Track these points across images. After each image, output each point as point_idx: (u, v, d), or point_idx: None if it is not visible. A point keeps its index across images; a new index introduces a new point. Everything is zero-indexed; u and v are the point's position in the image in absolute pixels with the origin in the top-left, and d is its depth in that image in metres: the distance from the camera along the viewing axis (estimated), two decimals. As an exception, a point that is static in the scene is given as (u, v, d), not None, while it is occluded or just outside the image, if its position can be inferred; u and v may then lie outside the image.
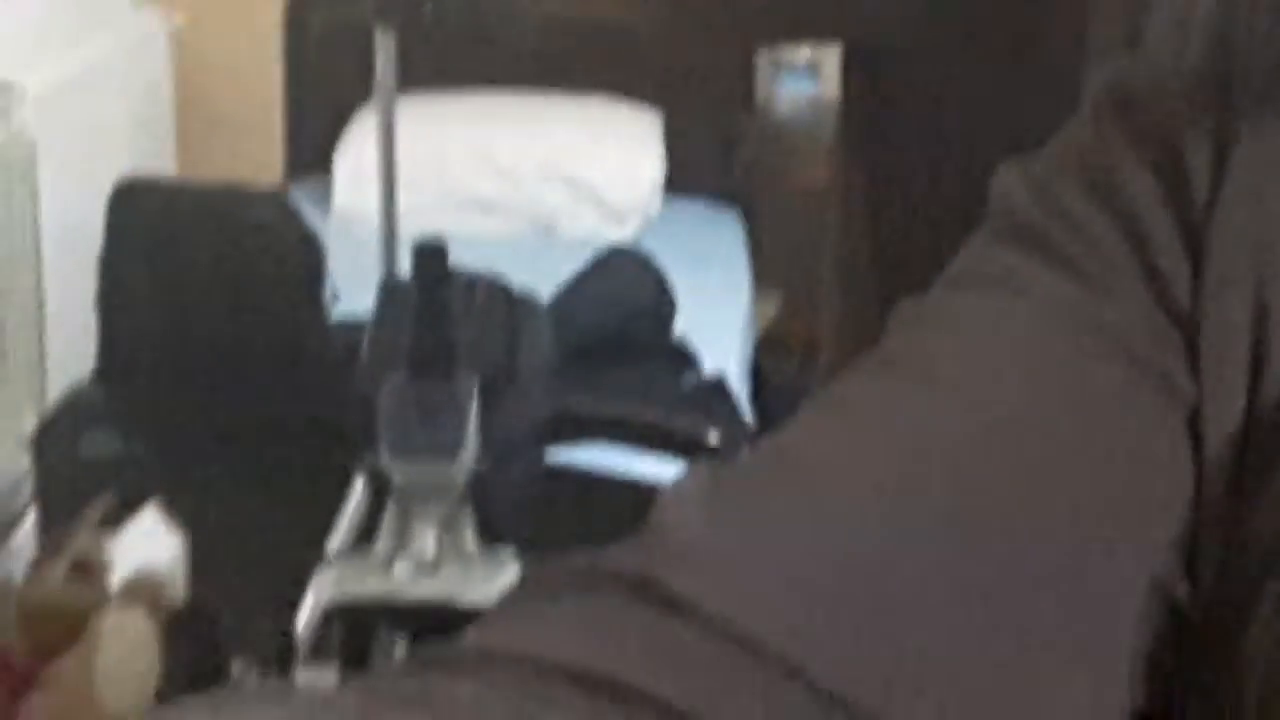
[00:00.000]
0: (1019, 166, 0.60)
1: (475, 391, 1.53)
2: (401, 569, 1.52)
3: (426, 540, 1.50)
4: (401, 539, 1.53)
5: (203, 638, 0.88)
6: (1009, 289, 0.57)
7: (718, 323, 3.56)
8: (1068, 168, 0.58)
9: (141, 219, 2.28)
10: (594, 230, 4.12)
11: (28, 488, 2.38)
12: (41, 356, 3.29)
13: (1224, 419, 0.54)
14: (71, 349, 2.85)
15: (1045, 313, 0.56)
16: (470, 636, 0.55)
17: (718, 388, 2.81)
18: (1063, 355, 0.55)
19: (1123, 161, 0.57)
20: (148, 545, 1.42)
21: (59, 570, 1.27)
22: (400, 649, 1.55)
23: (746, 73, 4.61)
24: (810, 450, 0.56)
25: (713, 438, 2.28)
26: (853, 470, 0.54)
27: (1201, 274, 0.54)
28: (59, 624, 1.21)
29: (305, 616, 1.55)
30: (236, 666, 1.49)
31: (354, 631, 1.56)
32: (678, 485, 0.56)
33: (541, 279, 2.58)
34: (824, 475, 0.54)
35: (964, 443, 0.54)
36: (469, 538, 1.55)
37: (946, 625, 0.52)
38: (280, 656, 1.52)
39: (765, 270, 4.31)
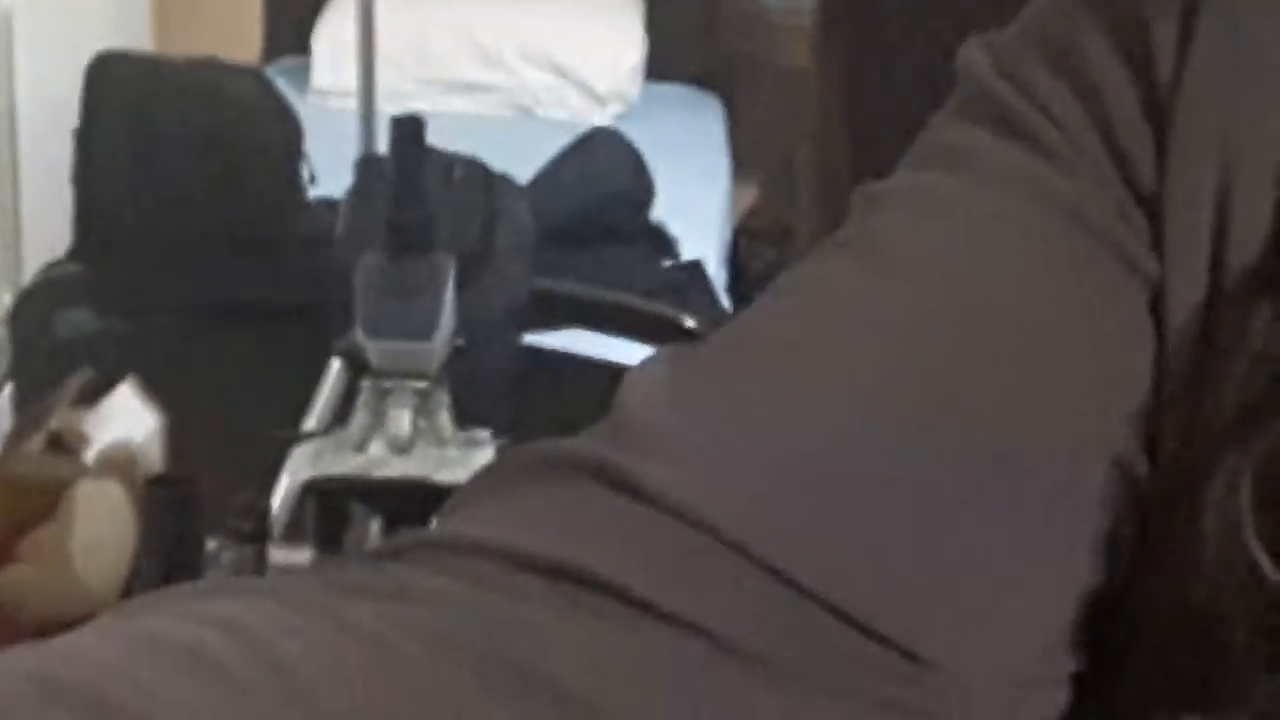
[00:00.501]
0: (984, 40, 0.59)
1: (452, 271, 1.53)
2: (376, 449, 1.53)
3: (401, 420, 1.50)
4: (377, 419, 1.53)
5: (178, 512, 0.89)
6: (969, 165, 0.56)
7: (696, 208, 3.55)
8: (1032, 42, 0.57)
9: (118, 94, 2.26)
10: (574, 113, 4.11)
11: (3, 364, 2.38)
12: (17, 233, 3.28)
13: (1186, 296, 0.54)
14: (48, 226, 2.84)
15: (1006, 188, 0.55)
16: (439, 525, 0.55)
17: (695, 273, 2.81)
18: (1023, 231, 0.55)
19: (1088, 35, 0.56)
20: (124, 421, 1.42)
21: (36, 445, 1.27)
22: (374, 528, 1.55)
23: (729, -45, 4.58)
24: (771, 335, 0.56)
25: (689, 322, 2.29)
26: (813, 355, 0.54)
27: (1165, 151, 0.54)
28: (36, 497, 1.21)
29: (280, 494, 1.56)
30: (212, 543, 1.50)
31: (328, 510, 1.56)
32: (642, 369, 0.56)
33: (520, 161, 2.58)
34: (785, 360, 0.54)
35: (922, 323, 0.54)
36: (444, 418, 1.56)
37: (910, 509, 0.52)
38: (255, 533, 1.53)
39: (745, 157, 4.30)
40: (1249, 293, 0.53)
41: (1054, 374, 0.54)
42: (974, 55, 0.59)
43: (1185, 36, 0.55)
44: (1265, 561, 0.50)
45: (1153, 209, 0.55)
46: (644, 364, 0.56)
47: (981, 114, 0.58)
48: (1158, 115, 0.55)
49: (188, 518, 0.88)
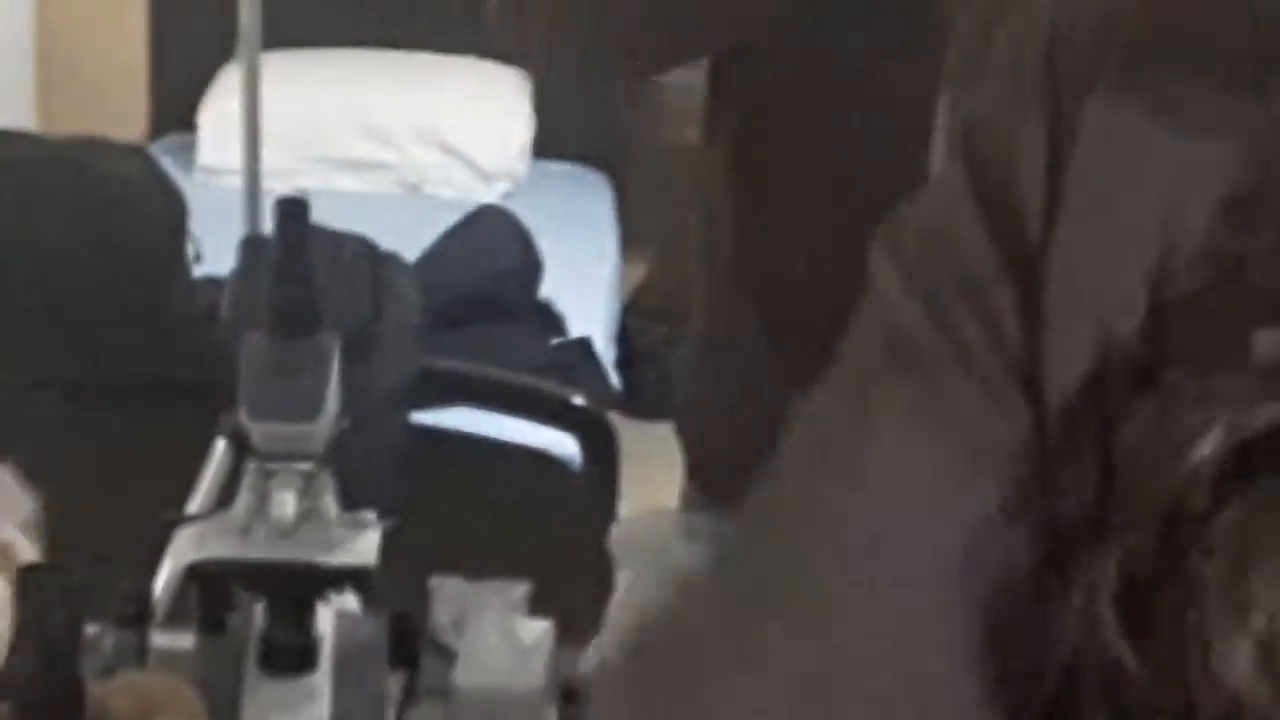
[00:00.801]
0: (890, 244, 0.60)
1: (337, 351, 1.52)
2: (261, 531, 1.51)
3: (286, 503, 1.49)
4: (261, 501, 1.51)
5: (57, 598, 0.87)
6: (898, 410, 0.58)
7: (585, 286, 3.55)
8: (927, 242, 0.59)
9: (1, 173, 2.24)
10: (462, 191, 4.11)
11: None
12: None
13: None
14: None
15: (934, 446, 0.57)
16: None
17: (584, 350, 2.81)
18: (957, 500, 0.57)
19: (960, 207, 0.58)
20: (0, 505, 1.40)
21: (-91, 530, 1.25)
22: (259, 611, 1.53)
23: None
24: (713, 631, 0.60)
25: (577, 400, 2.28)
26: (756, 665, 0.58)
27: (1039, 313, 0.56)
28: (-92, 584, 1.18)
29: (164, 577, 1.54)
30: (93, 628, 1.47)
31: (212, 593, 1.54)
32: (604, 674, 0.62)
33: (409, 239, 2.57)
34: (729, 666, 0.58)
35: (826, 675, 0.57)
36: (329, 500, 1.54)
37: None
38: (138, 617, 1.51)
39: (634, 235, 4.31)
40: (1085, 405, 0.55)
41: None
42: (884, 269, 0.60)
43: (1053, 179, 0.56)
44: (1127, 654, 0.51)
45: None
46: (605, 667, 0.63)
47: (896, 350, 0.59)
48: (1029, 281, 0.56)
49: (66, 605, 0.87)
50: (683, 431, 1.93)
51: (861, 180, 1.56)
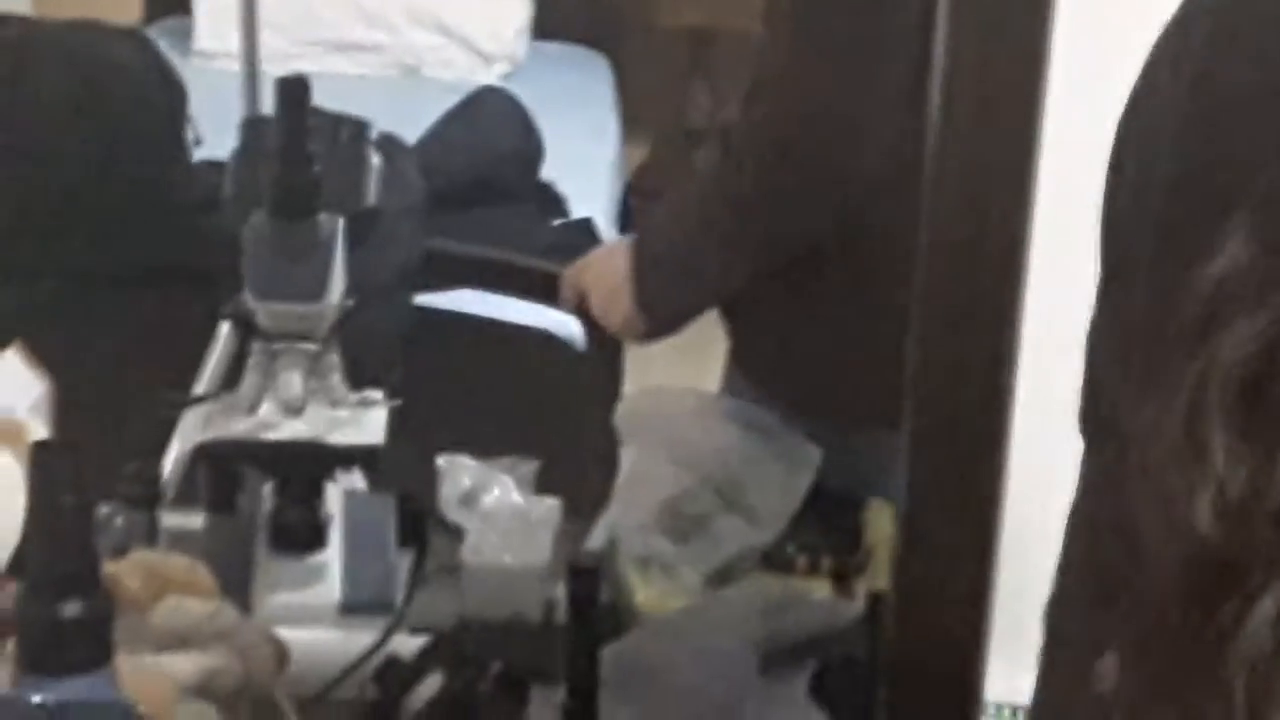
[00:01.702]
0: None
1: (339, 232, 1.52)
2: (268, 411, 1.52)
3: (292, 382, 1.49)
4: (268, 381, 1.52)
5: (69, 477, 0.88)
6: None
7: (586, 167, 3.54)
8: None
9: (-4, 58, 2.22)
10: (461, 74, 4.08)
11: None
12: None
13: None
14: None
15: None
16: None
17: (585, 231, 2.80)
18: None
19: None
20: (10, 388, 1.41)
21: (-81, 413, 1.26)
22: (267, 490, 1.54)
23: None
24: None
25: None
26: None
27: None
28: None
29: (172, 458, 1.55)
30: (103, 509, 1.48)
31: (220, 474, 1.55)
32: None
33: (408, 122, 2.56)
34: None
35: None
36: (336, 380, 1.55)
37: None
38: (147, 498, 1.52)
39: (634, 116, 4.30)
40: None
41: None
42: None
43: None
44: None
45: None
46: None
47: None
48: None
49: (76, 483, 0.87)
50: (730, 318, 1.95)
51: None
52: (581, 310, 2.02)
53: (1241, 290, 0.55)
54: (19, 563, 1.21)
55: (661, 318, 1.92)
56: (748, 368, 1.94)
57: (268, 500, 1.54)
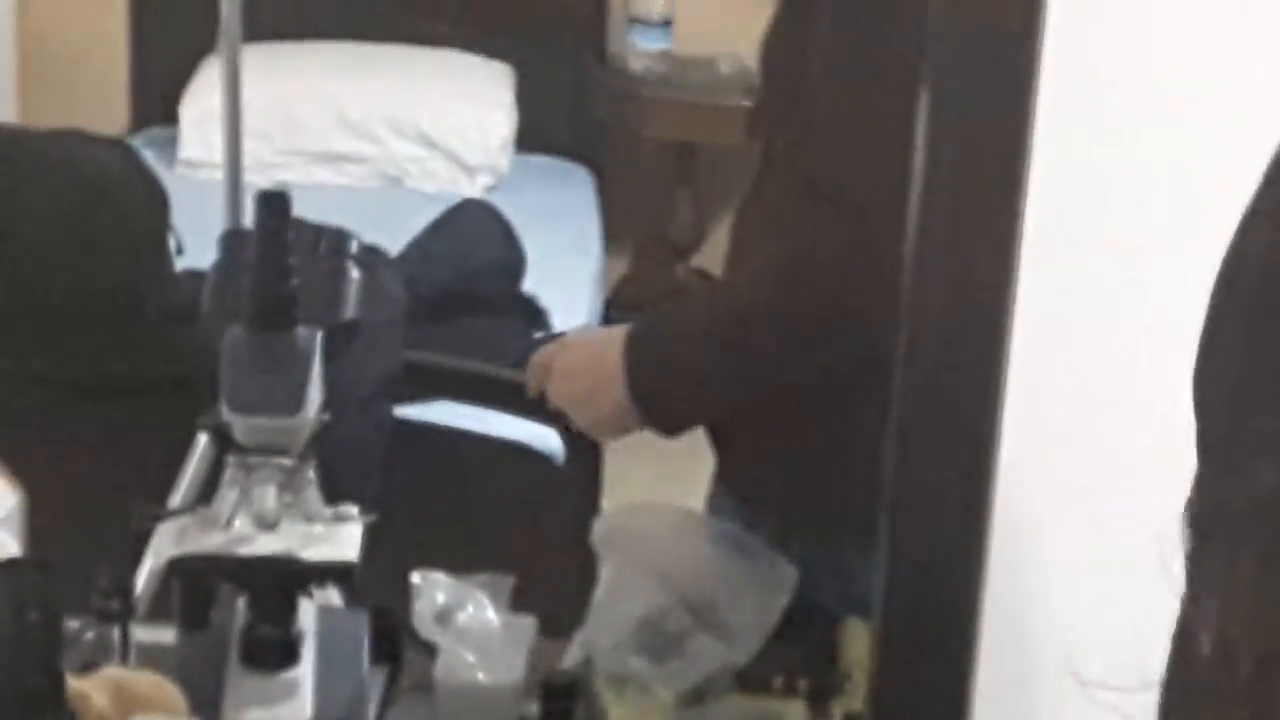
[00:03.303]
0: None
1: (318, 345, 1.51)
2: (242, 526, 1.51)
3: (267, 497, 1.48)
4: (243, 495, 1.51)
5: (38, 592, 0.87)
6: None
7: (568, 279, 3.55)
8: None
9: (-20, 167, 2.23)
10: (445, 185, 4.10)
11: None
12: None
13: None
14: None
15: None
16: None
17: (567, 344, 2.80)
18: None
19: None
20: (-18, 500, 1.40)
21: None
22: (240, 606, 1.53)
23: (599, 26, 4.60)
24: None
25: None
26: None
27: None
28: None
29: (145, 573, 1.54)
30: (74, 623, 1.47)
31: (194, 588, 1.54)
32: None
33: (391, 232, 2.56)
34: None
35: None
36: (312, 494, 1.54)
37: None
38: (120, 612, 1.50)
39: (616, 229, 4.31)
40: None
41: None
42: None
43: None
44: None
45: None
46: None
47: None
48: None
49: (43, 601, 0.87)
50: (713, 434, 1.94)
51: None
52: (544, 398, 1.98)
53: None
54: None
55: (658, 414, 1.87)
56: (733, 483, 1.94)
57: (241, 616, 1.53)
